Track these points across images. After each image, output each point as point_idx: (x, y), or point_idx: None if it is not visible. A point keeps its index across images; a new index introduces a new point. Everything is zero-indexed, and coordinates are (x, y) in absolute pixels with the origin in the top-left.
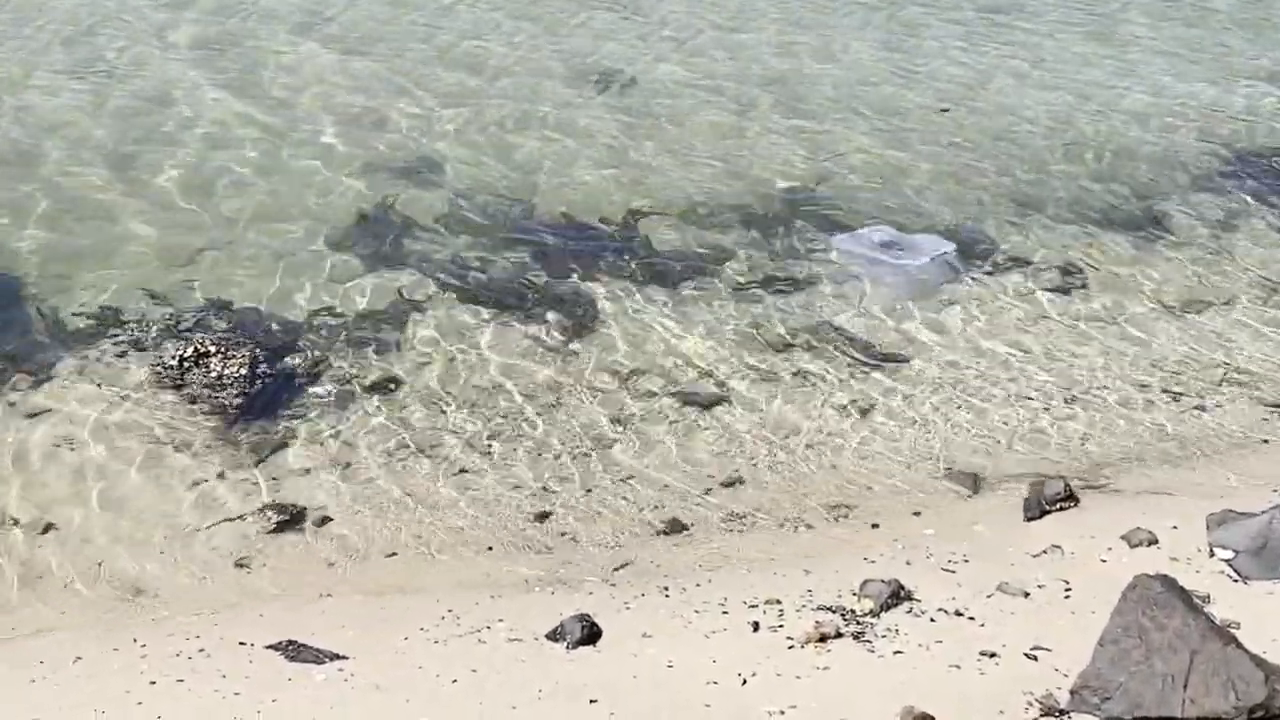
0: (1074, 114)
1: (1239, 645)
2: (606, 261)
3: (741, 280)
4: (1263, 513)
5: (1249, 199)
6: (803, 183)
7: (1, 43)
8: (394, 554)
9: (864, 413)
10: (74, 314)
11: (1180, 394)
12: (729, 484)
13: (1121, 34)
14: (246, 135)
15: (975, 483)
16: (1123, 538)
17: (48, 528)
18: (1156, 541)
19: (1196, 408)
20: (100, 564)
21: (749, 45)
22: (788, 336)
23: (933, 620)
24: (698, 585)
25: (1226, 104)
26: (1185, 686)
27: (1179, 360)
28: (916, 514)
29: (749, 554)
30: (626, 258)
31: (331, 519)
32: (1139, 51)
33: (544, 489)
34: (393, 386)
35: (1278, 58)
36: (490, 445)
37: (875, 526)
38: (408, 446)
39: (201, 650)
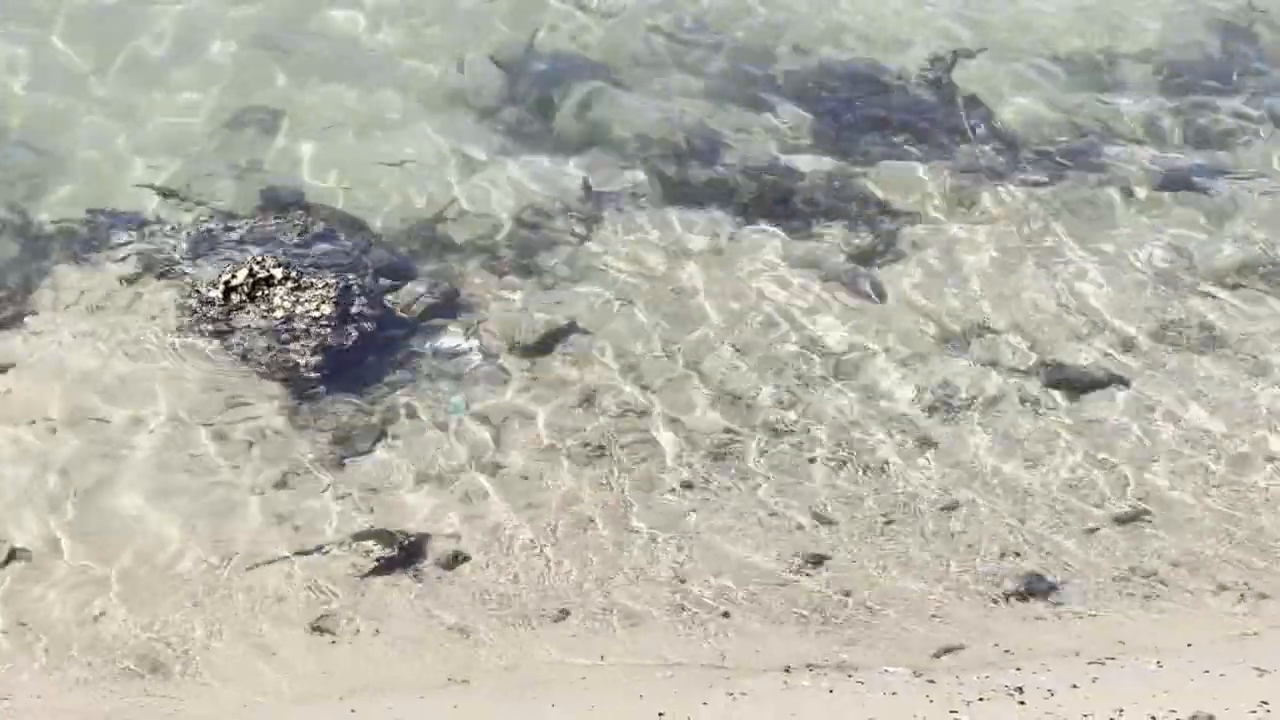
0: None
1: None
2: (919, 157)
3: (1149, 185)
4: None
5: None
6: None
7: None
8: (566, 614)
9: None
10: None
11: None
12: (1126, 520)
13: None
14: None
15: None
16: None
17: (10, 557)
18: None
19: None
20: (97, 617)
21: None
22: (1234, 277)
23: None
24: (1074, 686)
25: None
26: None
27: None
28: None
29: (1160, 637)
30: (953, 150)
31: (468, 557)
32: None
33: (818, 517)
34: (568, 341)
35: None
36: (728, 441)
37: None
38: (591, 442)
39: None
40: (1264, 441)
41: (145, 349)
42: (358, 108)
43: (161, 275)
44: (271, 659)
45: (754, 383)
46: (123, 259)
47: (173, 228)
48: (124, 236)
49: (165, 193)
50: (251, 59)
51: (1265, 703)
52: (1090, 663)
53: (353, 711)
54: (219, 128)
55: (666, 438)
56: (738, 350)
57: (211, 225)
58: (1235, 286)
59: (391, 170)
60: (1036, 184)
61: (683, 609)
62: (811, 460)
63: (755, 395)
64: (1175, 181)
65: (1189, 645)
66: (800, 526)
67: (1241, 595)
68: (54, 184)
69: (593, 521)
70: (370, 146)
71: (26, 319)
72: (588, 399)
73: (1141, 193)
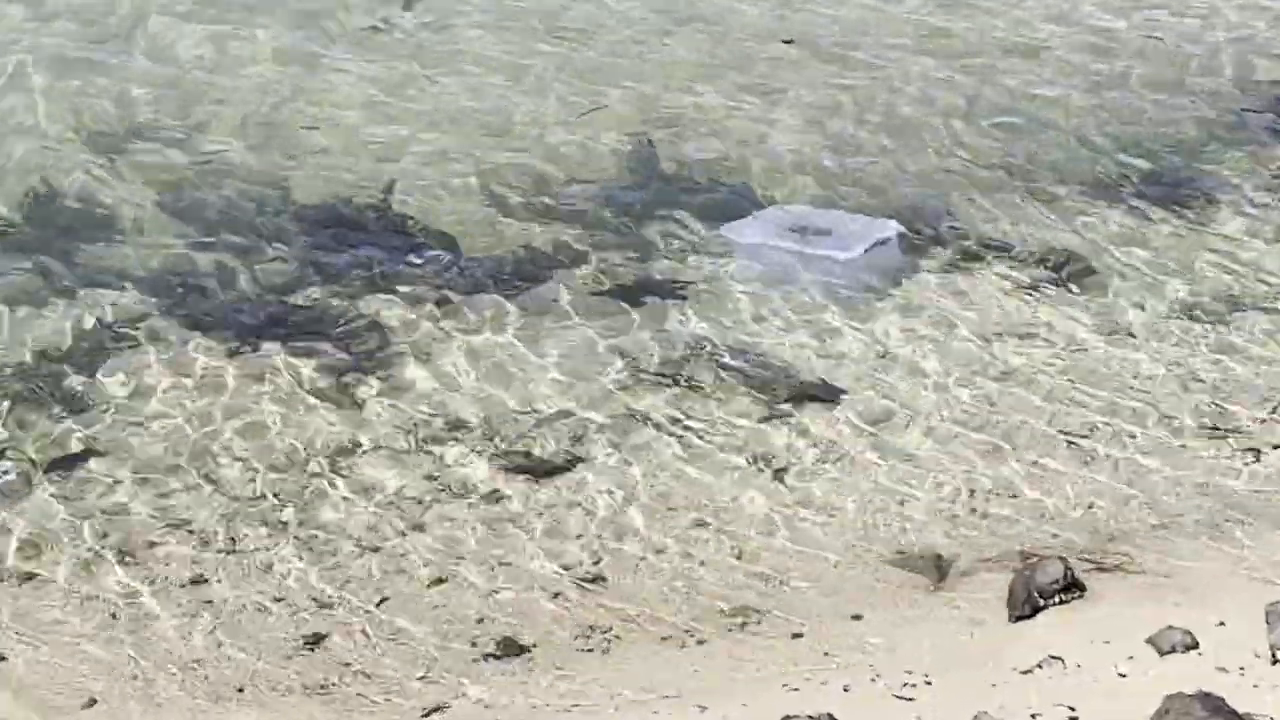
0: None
1: None
2: (397, 272)
3: (594, 292)
4: None
5: None
6: (672, 147)
7: None
8: (94, 703)
9: (777, 474)
10: None
11: (1225, 432)
12: (587, 582)
13: None
14: None
15: (939, 568)
16: (1149, 641)
17: None
18: (1196, 645)
19: (1248, 449)
20: None
21: None
22: (664, 369)
23: None
24: None
25: None
26: None
27: (1221, 385)
28: (857, 617)
29: (616, 684)
30: (427, 267)
31: (5, 658)
32: None
33: (317, 601)
34: (89, 460)
35: None
36: (235, 538)
37: (798, 636)
38: (112, 549)
39: None
40: (704, 508)
41: None
42: None
43: None
44: None
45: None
46: None
47: None
48: None
49: None
50: None
51: None
52: (559, 711)
53: None
54: None
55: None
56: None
57: None
58: (668, 376)
59: None
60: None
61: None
62: (310, 550)
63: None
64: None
65: (651, 691)
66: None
67: (683, 644)
68: None
69: (117, 619)
70: None
71: None
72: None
73: (579, 303)
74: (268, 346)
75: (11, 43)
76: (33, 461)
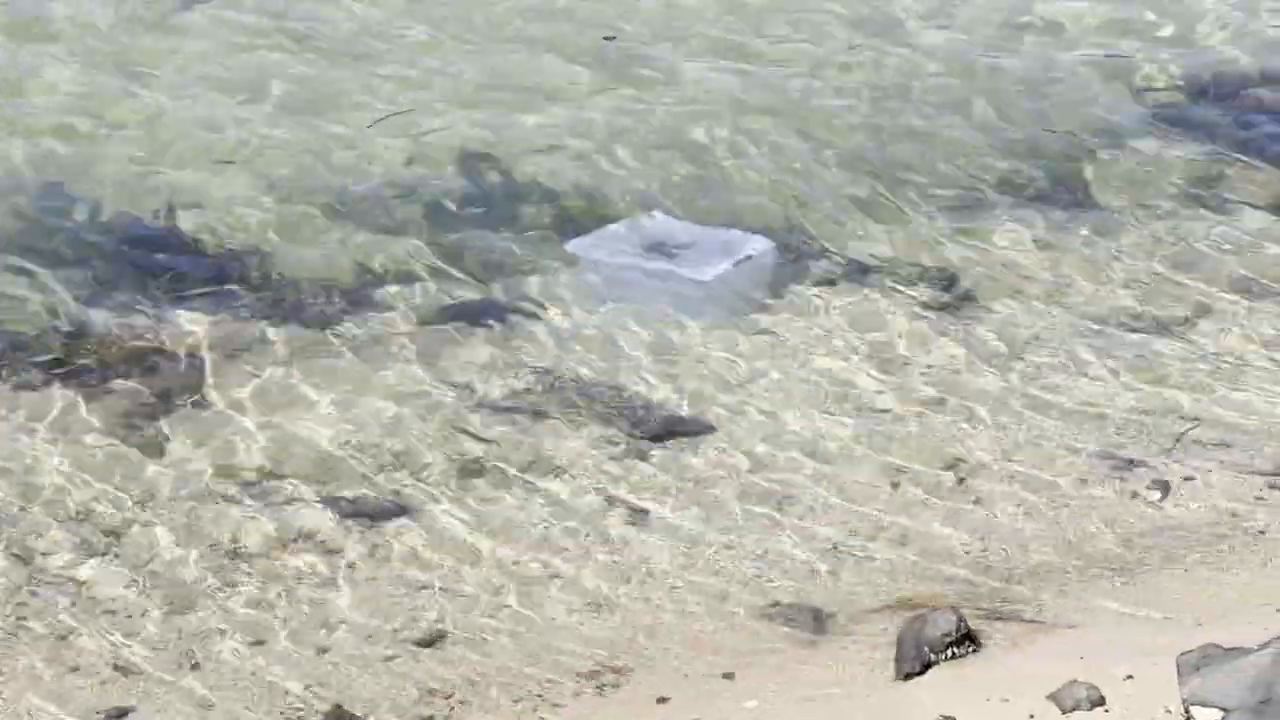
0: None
1: None
2: (196, 307)
3: (417, 321)
4: (1262, 648)
5: (1204, 163)
6: (499, 157)
7: None
8: None
9: (633, 519)
10: None
11: (1127, 464)
12: (425, 643)
13: None
14: None
15: (817, 621)
16: (1050, 698)
17: None
18: (1103, 702)
19: (1152, 486)
20: None
21: None
22: (502, 405)
23: None
24: None
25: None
26: None
27: (1122, 412)
28: (728, 676)
29: None
30: (230, 296)
31: None
32: None
33: (122, 670)
34: None
35: None
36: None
37: (663, 701)
38: None
39: None
40: (549, 564)
41: None
42: None
43: None
44: None
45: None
46: None
47: None
48: None
49: None
50: None
51: None
52: None
53: None
54: None
55: None
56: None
57: None
58: (511, 410)
59: None
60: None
61: None
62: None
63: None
64: (457, 314)
65: None
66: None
67: (535, 708)
68: None
69: None
70: None
71: None
72: None
73: (408, 329)
74: (40, 377)
75: None
76: None
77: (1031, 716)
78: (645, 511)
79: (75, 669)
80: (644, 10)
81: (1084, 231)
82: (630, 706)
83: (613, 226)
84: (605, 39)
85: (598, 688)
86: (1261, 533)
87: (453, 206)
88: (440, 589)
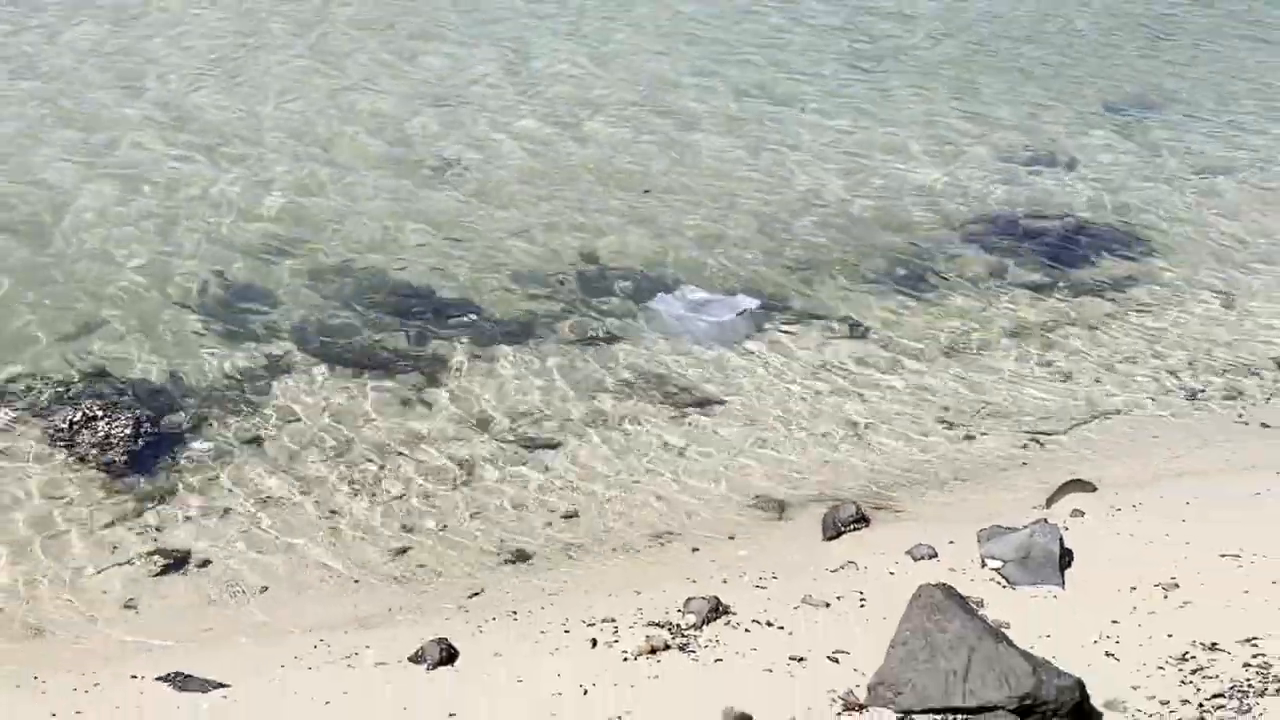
0: (835, 188)
1: (1009, 643)
2: (452, 326)
3: (572, 338)
4: (1024, 528)
5: (999, 258)
6: (623, 251)
7: None
8: (267, 589)
9: (681, 450)
10: None
11: (951, 425)
12: (567, 517)
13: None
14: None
15: (781, 508)
16: (907, 552)
17: None
18: (936, 555)
19: (965, 437)
20: (1, 610)
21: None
22: (615, 387)
23: (747, 631)
24: (542, 608)
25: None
26: (965, 680)
27: (949, 396)
28: (731, 538)
29: (586, 579)
30: (469, 321)
31: (211, 561)
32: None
33: (402, 528)
34: (264, 441)
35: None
36: (353, 490)
37: (695, 550)
38: (278, 494)
39: (96, 685)
40: (636, 471)
41: (26, 458)
42: None
43: (34, 416)
44: (103, 625)
45: None
46: None
47: (38, 392)
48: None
49: None
50: None
51: (640, 609)
52: (550, 595)
53: (149, 651)
54: None
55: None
56: None
57: (59, 390)
58: (617, 387)
59: (163, 357)
60: None
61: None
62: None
63: None
64: (594, 336)
65: (606, 583)
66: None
67: (629, 553)
68: None
69: (281, 539)
70: (149, 345)
71: None
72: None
73: (570, 340)
74: (374, 374)
75: None
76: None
77: (896, 563)
78: (684, 448)
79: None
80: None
81: (929, 300)
82: (677, 552)
83: (668, 294)
84: (644, 192)
85: (660, 543)
86: (1024, 464)
87: (593, 274)
88: (576, 488)
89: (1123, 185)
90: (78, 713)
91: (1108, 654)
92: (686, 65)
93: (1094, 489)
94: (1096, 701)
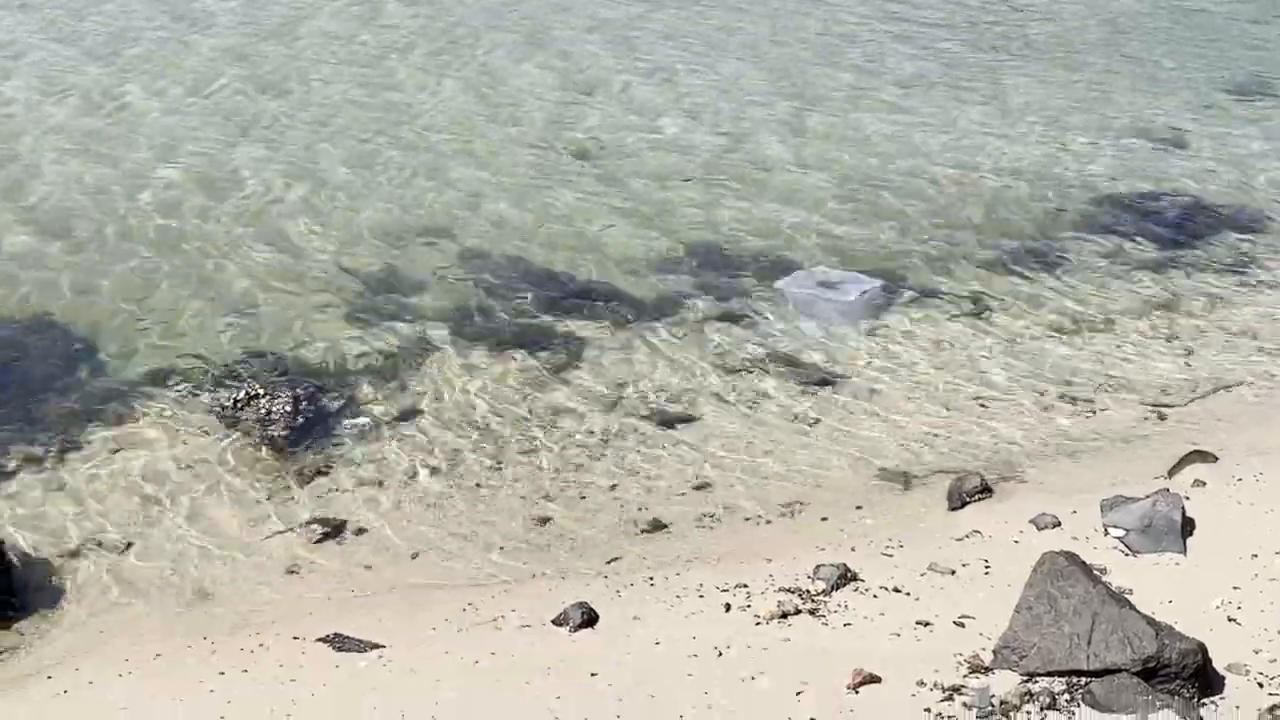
0: (954, 170)
1: (1132, 607)
2: (588, 307)
3: (703, 317)
4: (1146, 497)
5: (1120, 236)
6: (751, 234)
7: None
8: (418, 555)
9: (810, 424)
10: (144, 370)
11: (1074, 399)
12: (700, 488)
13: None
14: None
15: (906, 479)
16: (1031, 521)
17: (128, 546)
18: (1059, 524)
19: (1088, 411)
20: (173, 575)
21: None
22: (744, 363)
23: (875, 596)
24: (678, 574)
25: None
26: (1089, 643)
27: (1070, 372)
28: (859, 508)
29: (719, 547)
30: (605, 301)
31: (367, 529)
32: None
33: (545, 497)
34: (415, 416)
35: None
36: (498, 462)
37: (824, 520)
38: (429, 466)
39: (261, 645)
40: (762, 441)
41: (194, 435)
42: None
43: (201, 396)
44: (267, 589)
45: None
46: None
47: (204, 373)
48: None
49: None
50: None
51: (771, 576)
52: (686, 561)
53: (310, 614)
54: None
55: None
56: None
57: (224, 372)
58: (745, 366)
59: (322, 338)
60: None
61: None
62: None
63: None
64: (723, 315)
65: (738, 550)
66: (536, 501)
67: (760, 521)
68: None
69: (432, 508)
70: (307, 328)
71: None
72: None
73: (704, 316)
74: (515, 352)
75: None
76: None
77: (1021, 531)
78: (813, 421)
79: (522, 497)
80: None
81: (1049, 280)
82: (807, 521)
83: (798, 272)
84: (684, 180)
85: (790, 513)
86: (1146, 436)
87: (723, 255)
88: (710, 456)
89: (1244, 164)
90: (244, 671)
91: (1229, 619)
92: (810, 53)
93: (1215, 459)
94: (1218, 665)
